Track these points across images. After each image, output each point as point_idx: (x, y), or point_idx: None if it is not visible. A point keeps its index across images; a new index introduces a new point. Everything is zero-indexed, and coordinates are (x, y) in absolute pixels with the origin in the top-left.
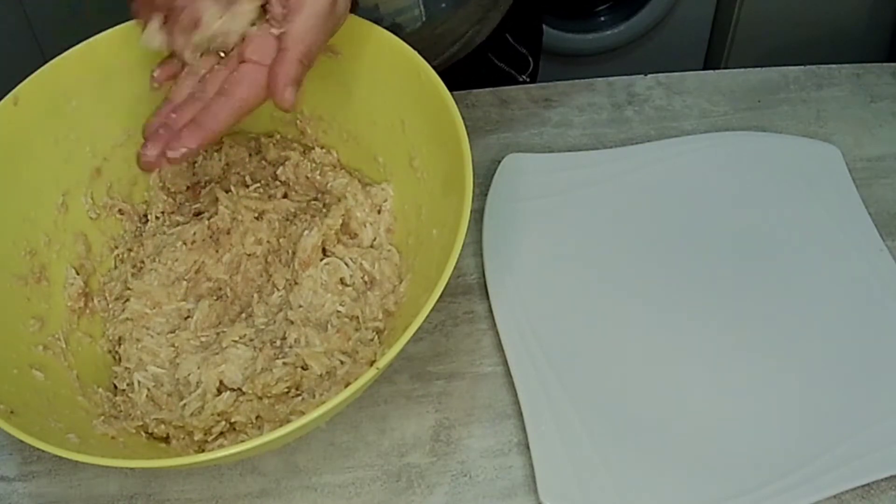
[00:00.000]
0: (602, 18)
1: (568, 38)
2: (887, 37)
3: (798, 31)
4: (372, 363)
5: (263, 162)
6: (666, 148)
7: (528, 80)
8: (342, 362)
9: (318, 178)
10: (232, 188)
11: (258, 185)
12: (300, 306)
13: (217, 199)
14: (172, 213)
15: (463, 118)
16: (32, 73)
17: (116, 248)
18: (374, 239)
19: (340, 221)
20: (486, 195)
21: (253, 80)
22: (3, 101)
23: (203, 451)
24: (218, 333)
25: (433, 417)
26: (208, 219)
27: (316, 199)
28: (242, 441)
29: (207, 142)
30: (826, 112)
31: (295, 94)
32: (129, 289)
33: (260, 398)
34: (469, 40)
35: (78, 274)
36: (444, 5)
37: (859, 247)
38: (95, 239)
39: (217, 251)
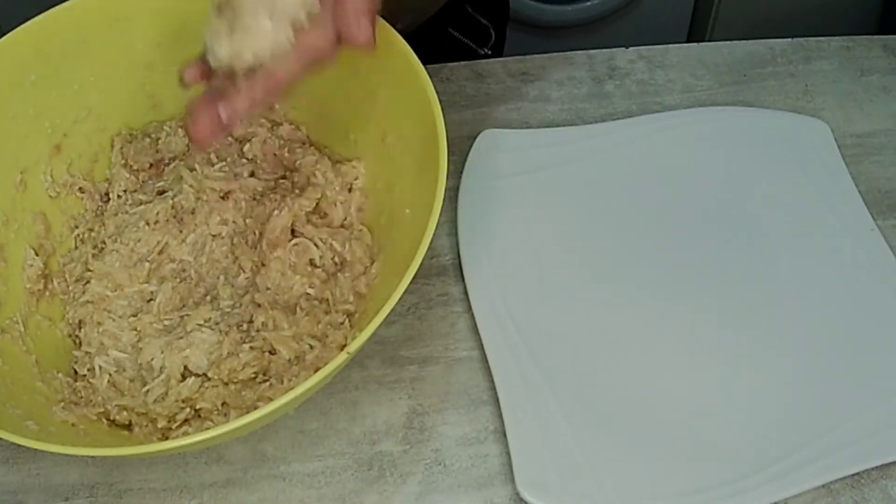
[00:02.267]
0: None
1: (546, 10)
2: (877, 8)
3: (785, 2)
4: (342, 347)
5: (230, 138)
6: (648, 124)
7: (489, 52)
8: (311, 346)
9: (287, 155)
10: (196, 166)
11: (223, 163)
12: (268, 289)
13: (181, 178)
14: (135, 191)
15: (437, 93)
16: None
17: (77, 227)
18: (345, 218)
19: (315, 203)
20: (461, 172)
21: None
22: None
23: (167, 438)
24: (182, 317)
25: (406, 404)
26: (172, 198)
27: (284, 177)
28: (208, 428)
29: (273, 94)
30: (814, 86)
31: (371, 28)
32: (89, 270)
33: (226, 384)
34: (423, 10)
35: (37, 255)
36: None
37: (849, 227)
38: (55, 218)
39: (181, 231)
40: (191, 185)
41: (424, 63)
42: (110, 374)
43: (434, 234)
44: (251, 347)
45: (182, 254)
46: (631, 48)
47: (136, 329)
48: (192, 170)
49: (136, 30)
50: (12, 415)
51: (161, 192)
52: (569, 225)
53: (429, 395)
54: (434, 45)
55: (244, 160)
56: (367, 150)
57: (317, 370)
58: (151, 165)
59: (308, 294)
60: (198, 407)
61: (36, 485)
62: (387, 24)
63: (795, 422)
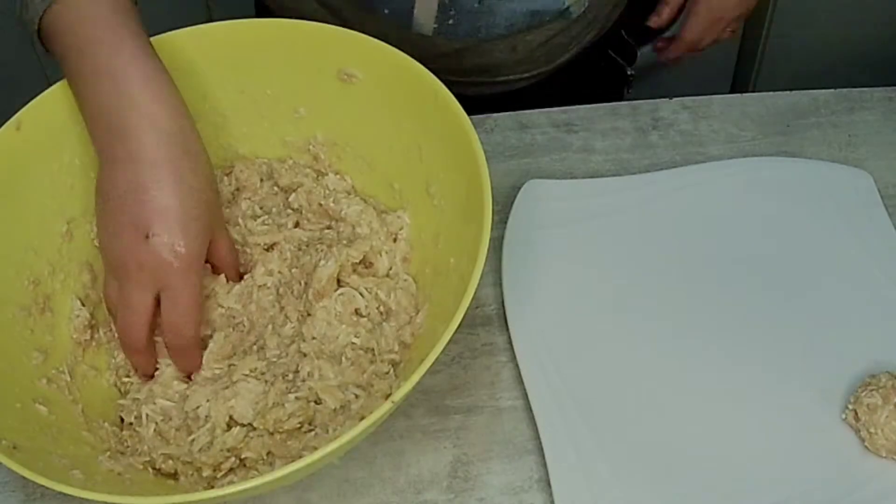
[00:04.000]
0: None
1: None
2: None
3: (828, 52)
4: (387, 396)
5: (275, 188)
6: (692, 174)
7: (633, 73)
8: (357, 396)
9: (332, 205)
10: (240, 221)
11: (267, 215)
12: (313, 338)
13: None
14: None
15: (482, 143)
16: (35, 97)
17: None
18: (390, 268)
19: (362, 255)
20: (505, 223)
21: None
22: (5, 126)
23: (212, 487)
24: (229, 366)
25: (451, 453)
26: None
27: (329, 227)
28: (253, 477)
29: None
30: (857, 136)
31: None
32: None
33: (271, 434)
34: (604, 23)
35: (83, 305)
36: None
37: (893, 277)
38: (101, 268)
39: (227, 281)
40: (235, 240)
41: (575, 84)
42: (156, 423)
43: (479, 284)
44: (297, 397)
45: (229, 302)
46: (675, 99)
47: (187, 377)
48: (235, 224)
49: (183, 80)
50: (58, 464)
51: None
52: (613, 275)
53: (473, 444)
54: (596, 66)
55: (289, 210)
56: (411, 199)
57: (362, 419)
58: None
59: (353, 343)
60: (243, 456)
61: None
62: (431, 76)
63: (835, 468)
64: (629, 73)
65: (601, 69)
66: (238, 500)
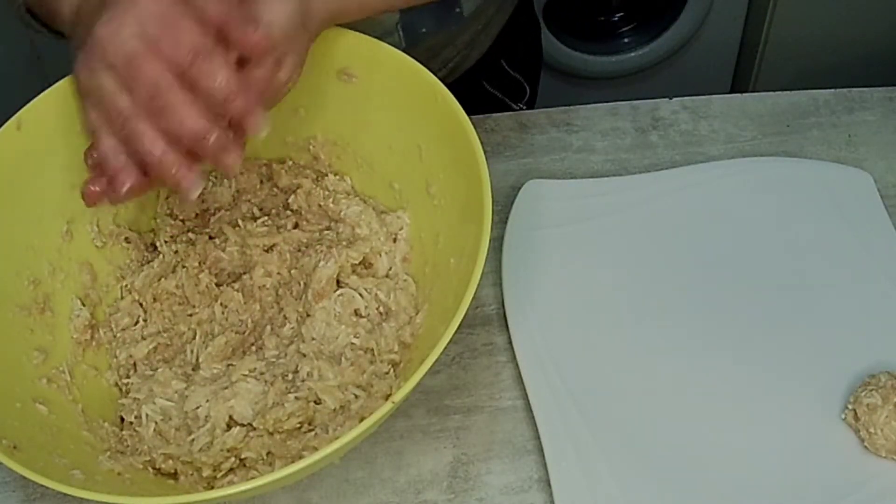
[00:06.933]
0: (626, 40)
1: (590, 61)
2: None
3: (828, 53)
4: (387, 397)
5: (275, 189)
6: (691, 174)
7: (523, 107)
8: (356, 396)
9: (332, 206)
10: (240, 222)
11: (267, 217)
12: (313, 339)
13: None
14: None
15: (482, 143)
16: (36, 96)
17: (123, 278)
18: (390, 268)
19: (362, 256)
20: (505, 223)
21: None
22: (5, 125)
23: (212, 487)
24: (228, 366)
25: (451, 453)
26: (222, 250)
27: (329, 228)
28: (253, 478)
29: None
30: (857, 136)
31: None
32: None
33: (271, 434)
34: (457, 65)
35: (83, 305)
36: (424, 30)
37: (892, 277)
38: (101, 268)
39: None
40: (235, 241)
41: (469, 112)
42: (156, 423)
43: (479, 284)
44: (296, 397)
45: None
46: (674, 99)
47: (186, 375)
48: (235, 226)
49: None
50: (59, 464)
51: (211, 237)
52: (612, 275)
53: (473, 444)
54: (470, 100)
55: (289, 212)
56: (411, 199)
57: (361, 419)
58: (197, 215)
59: (353, 344)
60: (243, 456)
61: None
62: (432, 76)
63: (837, 469)
64: (516, 108)
65: (485, 104)
66: (238, 500)
